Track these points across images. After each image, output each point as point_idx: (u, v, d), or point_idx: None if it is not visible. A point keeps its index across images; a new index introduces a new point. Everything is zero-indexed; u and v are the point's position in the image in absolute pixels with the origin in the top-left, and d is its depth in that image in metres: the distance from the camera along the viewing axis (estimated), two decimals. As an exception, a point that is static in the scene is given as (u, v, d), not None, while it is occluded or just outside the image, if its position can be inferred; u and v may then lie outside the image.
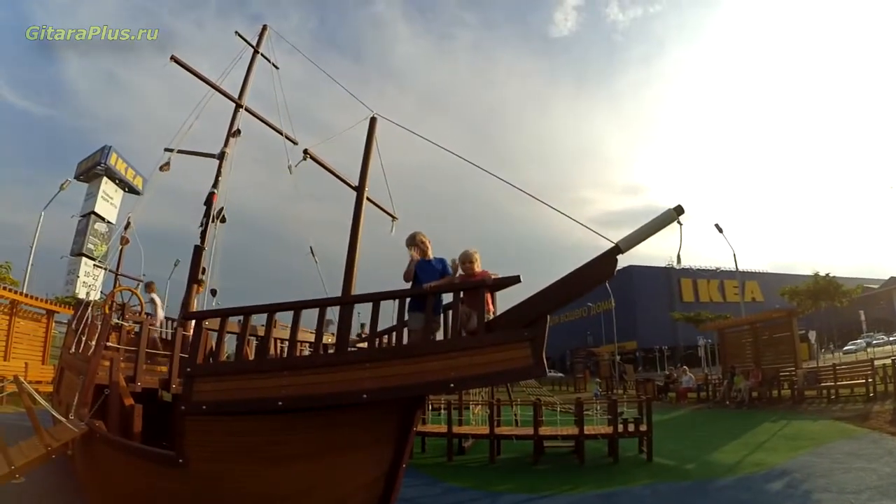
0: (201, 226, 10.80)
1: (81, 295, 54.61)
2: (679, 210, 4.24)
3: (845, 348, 49.88)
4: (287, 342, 9.28)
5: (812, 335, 40.60)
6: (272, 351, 6.61)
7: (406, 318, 5.59)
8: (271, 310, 5.65)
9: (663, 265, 79.98)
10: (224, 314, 6.10)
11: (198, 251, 10.86)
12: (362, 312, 6.44)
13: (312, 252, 10.92)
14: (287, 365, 5.30)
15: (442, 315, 5.69)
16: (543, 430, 12.77)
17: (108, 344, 8.83)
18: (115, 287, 14.07)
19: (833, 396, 20.43)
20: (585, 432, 12.44)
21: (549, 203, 5.85)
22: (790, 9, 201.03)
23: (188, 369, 5.64)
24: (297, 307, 5.55)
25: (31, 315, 20.72)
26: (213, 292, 11.15)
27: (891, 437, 12.80)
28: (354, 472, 5.18)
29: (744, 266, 45.10)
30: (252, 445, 5.21)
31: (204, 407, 5.32)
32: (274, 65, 13.21)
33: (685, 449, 13.33)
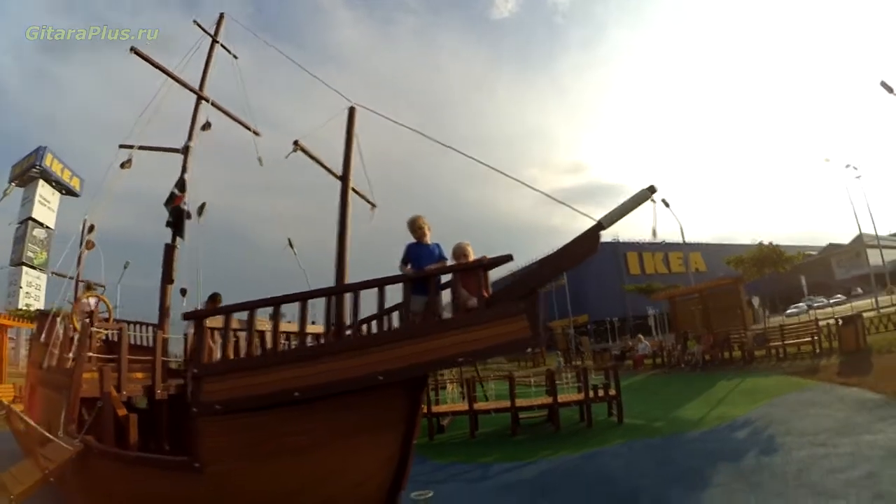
0: (168, 224, 10.54)
1: (22, 306, 52.36)
2: (652, 189, 4.54)
3: (787, 311, 52.44)
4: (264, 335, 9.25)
5: (756, 301, 42.38)
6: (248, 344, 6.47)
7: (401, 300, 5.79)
8: (277, 302, 5.66)
9: (610, 240, 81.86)
10: (227, 311, 6.00)
11: (169, 250, 10.67)
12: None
13: (291, 244, 10.92)
14: (300, 355, 5.37)
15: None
16: (519, 402, 13.27)
17: (90, 354, 8.52)
18: (78, 294, 13.62)
19: (781, 355, 21.60)
20: (559, 400, 13.04)
21: (530, 185, 6.20)
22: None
23: (195, 370, 5.59)
24: (303, 297, 5.61)
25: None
26: (183, 292, 11.01)
27: (840, 386, 13.76)
28: (370, 455, 5.31)
29: (687, 238, 46.63)
30: (269, 439, 5.23)
31: (217, 406, 5.30)
32: (233, 55, 12.89)
33: (651, 409, 14.05)
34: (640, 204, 4.62)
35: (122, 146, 11.03)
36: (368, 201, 8.39)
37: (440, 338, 4.92)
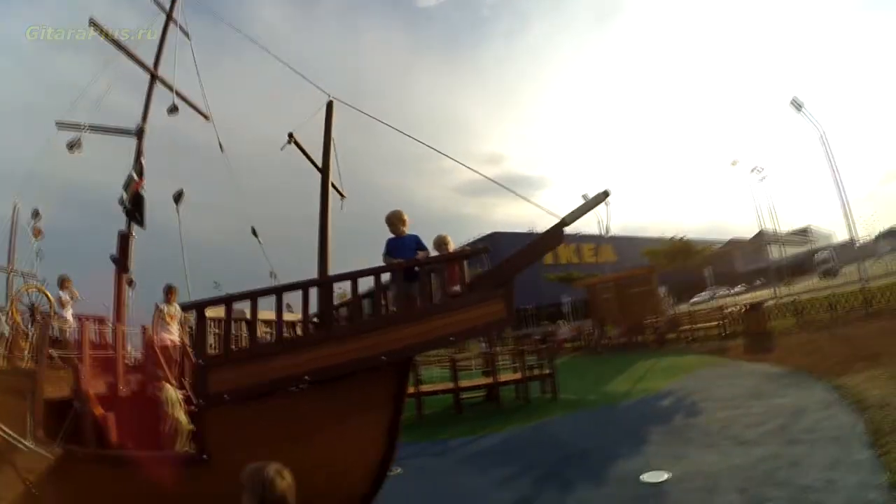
0: (126, 211, 10.14)
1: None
2: (607, 193, 5.44)
3: (692, 300, 55.69)
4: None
5: (662, 289, 45.05)
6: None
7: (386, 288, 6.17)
8: (279, 291, 6.00)
9: (525, 231, 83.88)
10: (228, 300, 6.08)
11: (124, 238, 10.35)
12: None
13: (255, 232, 10.94)
14: (308, 340, 5.77)
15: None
16: (462, 384, 14.13)
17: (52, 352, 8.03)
18: (16, 287, 12.75)
19: (692, 338, 23.58)
20: (500, 380, 14.03)
21: (484, 174, 6.92)
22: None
23: (200, 361, 5.73)
24: (304, 286, 5.98)
25: None
26: (130, 283, 10.73)
27: (747, 362, 15.48)
28: (366, 432, 5.69)
29: (597, 230, 49.10)
30: (276, 425, 5.38)
31: (226, 396, 5.42)
32: (186, 33, 12.05)
33: (581, 386, 15.22)
34: (597, 205, 5.60)
35: (60, 125, 10.34)
36: (339, 192, 8.78)
37: (434, 320, 5.51)
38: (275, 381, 5.48)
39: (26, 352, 8.52)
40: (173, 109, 10.77)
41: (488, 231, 70.22)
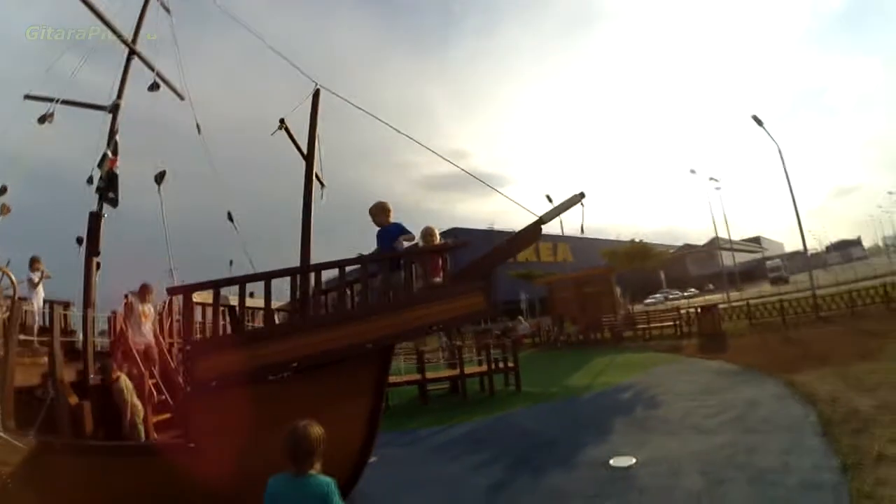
0: (98, 190, 9.86)
1: None
2: (582, 195, 5.81)
3: (646, 301, 57.17)
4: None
5: (617, 290, 46.18)
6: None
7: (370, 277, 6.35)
8: (269, 277, 6.04)
9: (485, 228, 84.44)
10: (216, 285, 6.01)
11: (95, 218, 10.09)
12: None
13: (231, 217, 10.77)
14: (295, 328, 5.88)
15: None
16: (428, 375, 14.40)
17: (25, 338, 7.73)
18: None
19: (647, 336, 24.28)
20: (466, 372, 14.33)
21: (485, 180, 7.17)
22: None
23: (188, 347, 5.72)
24: (293, 273, 6.15)
25: None
26: (97, 265, 10.50)
27: (702, 360, 16.11)
28: (350, 418, 5.82)
29: (556, 230, 50.08)
30: (260, 412, 5.27)
31: (214, 383, 5.42)
32: (166, 7, 11.52)
33: (542, 380, 15.55)
34: (572, 206, 6.00)
35: (28, 97, 9.88)
36: (320, 181, 8.82)
37: (417, 309, 5.76)
38: (263, 368, 5.54)
39: None
40: (154, 86, 10.48)
41: (449, 226, 70.40)
